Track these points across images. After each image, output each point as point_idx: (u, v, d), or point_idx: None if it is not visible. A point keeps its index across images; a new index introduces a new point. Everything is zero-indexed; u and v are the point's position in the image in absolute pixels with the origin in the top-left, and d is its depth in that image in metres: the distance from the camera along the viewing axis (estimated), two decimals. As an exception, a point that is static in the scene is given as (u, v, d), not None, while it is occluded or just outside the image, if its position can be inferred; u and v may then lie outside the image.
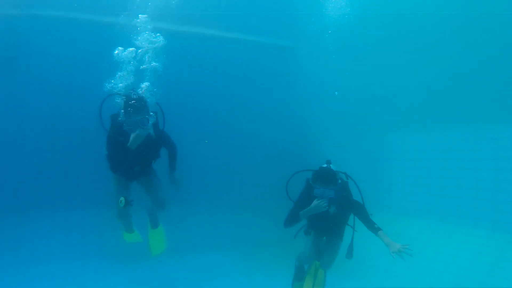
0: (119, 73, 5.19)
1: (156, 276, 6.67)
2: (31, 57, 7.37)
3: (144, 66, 5.54)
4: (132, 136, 4.46)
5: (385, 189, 7.94)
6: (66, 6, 7.50)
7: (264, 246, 7.99)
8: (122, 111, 4.47)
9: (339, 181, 4.41)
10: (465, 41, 6.38)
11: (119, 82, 5.07)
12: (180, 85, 7.99)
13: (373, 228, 4.23)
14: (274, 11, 8.92)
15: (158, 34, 5.78)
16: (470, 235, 6.10)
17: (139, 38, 5.64)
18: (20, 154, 7.42)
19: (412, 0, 7.30)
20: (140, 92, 4.89)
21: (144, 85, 4.99)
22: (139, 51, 5.56)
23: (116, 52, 5.34)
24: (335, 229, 4.75)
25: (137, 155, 4.69)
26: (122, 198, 4.54)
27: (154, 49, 5.49)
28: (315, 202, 4.31)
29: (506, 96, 5.68)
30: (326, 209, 4.28)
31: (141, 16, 5.57)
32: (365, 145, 8.62)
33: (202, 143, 8.57)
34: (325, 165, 4.67)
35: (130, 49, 5.15)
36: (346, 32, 8.56)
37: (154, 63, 5.59)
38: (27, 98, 7.45)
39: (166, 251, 7.39)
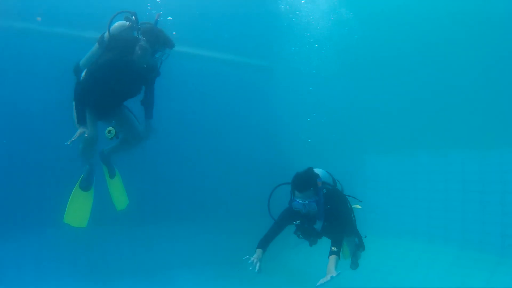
0: None
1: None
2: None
3: None
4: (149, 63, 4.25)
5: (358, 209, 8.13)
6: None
7: (239, 265, 7.95)
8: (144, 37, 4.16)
9: (324, 190, 3.66)
10: (434, 68, 6.73)
11: None
12: (160, 103, 7.99)
13: (332, 250, 3.60)
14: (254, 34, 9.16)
15: None
16: (440, 253, 6.32)
17: None
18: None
19: (385, 24, 7.65)
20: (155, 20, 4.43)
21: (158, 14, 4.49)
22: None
23: None
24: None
25: (128, 82, 4.39)
26: (111, 128, 4.16)
27: None
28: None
29: (474, 122, 6.03)
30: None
31: None
32: (341, 165, 8.81)
33: (177, 161, 8.59)
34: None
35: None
36: (324, 53, 8.89)
37: None
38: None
39: (139, 270, 7.34)
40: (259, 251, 3.90)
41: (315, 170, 3.91)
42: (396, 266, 6.74)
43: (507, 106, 5.86)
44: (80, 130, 4.14)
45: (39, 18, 6.39)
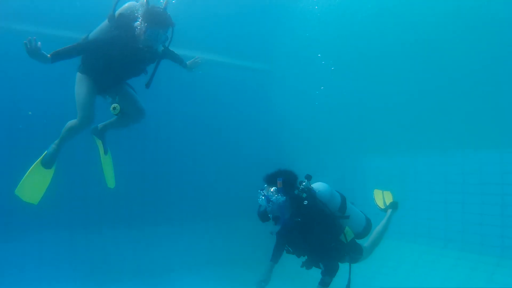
0: None
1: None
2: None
3: None
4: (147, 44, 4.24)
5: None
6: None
7: (241, 266, 7.95)
8: (141, 17, 4.17)
9: (305, 202, 3.42)
10: (434, 69, 6.76)
11: None
12: (160, 104, 8.01)
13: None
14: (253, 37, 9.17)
15: None
16: (440, 256, 6.33)
17: None
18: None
19: (380, 28, 7.69)
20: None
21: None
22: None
23: None
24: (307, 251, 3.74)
25: (131, 60, 4.41)
26: (116, 105, 4.12)
27: None
28: None
29: (473, 123, 6.05)
30: None
31: None
32: (339, 166, 8.82)
33: (177, 163, 8.59)
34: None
35: None
36: (320, 53, 8.93)
37: None
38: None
39: (140, 271, 7.32)
40: (269, 265, 3.95)
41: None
42: (397, 268, 6.75)
43: (507, 107, 5.89)
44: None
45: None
